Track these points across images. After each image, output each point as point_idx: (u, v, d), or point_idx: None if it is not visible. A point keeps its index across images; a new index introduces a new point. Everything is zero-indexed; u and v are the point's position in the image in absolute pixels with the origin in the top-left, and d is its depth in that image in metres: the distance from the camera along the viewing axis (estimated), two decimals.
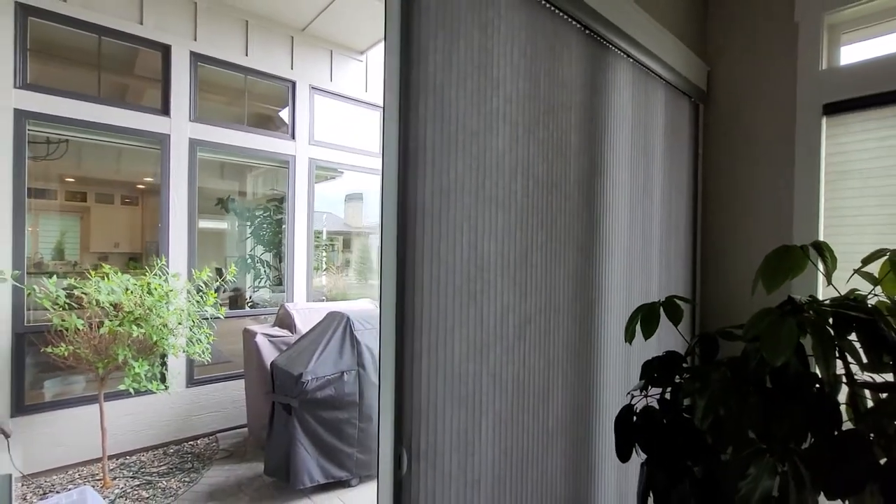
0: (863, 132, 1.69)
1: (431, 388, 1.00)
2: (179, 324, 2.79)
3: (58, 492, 2.71)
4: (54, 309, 2.49)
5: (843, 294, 1.06)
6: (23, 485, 2.67)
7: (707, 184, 2.12)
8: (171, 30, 3.42)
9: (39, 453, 2.87)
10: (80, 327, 2.48)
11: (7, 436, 2.62)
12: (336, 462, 2.59)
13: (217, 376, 3.69)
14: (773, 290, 1.03)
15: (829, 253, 1.04)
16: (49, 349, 2.47)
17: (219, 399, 3.66)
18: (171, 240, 3.42)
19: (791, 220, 1.84)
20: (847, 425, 0.97)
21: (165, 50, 3.41)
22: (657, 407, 1.20)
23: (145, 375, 2.58)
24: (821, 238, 1.76)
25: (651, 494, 1.15)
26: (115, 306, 2.59)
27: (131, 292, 2.62)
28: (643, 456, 1.19)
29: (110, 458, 3.06)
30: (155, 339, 2.62)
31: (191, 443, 3.43)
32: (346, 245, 5.53)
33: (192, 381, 3.54)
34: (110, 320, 2.53)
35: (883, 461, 0.89)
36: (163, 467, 3.03)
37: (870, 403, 1.01)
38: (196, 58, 3.54)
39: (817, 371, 0.95)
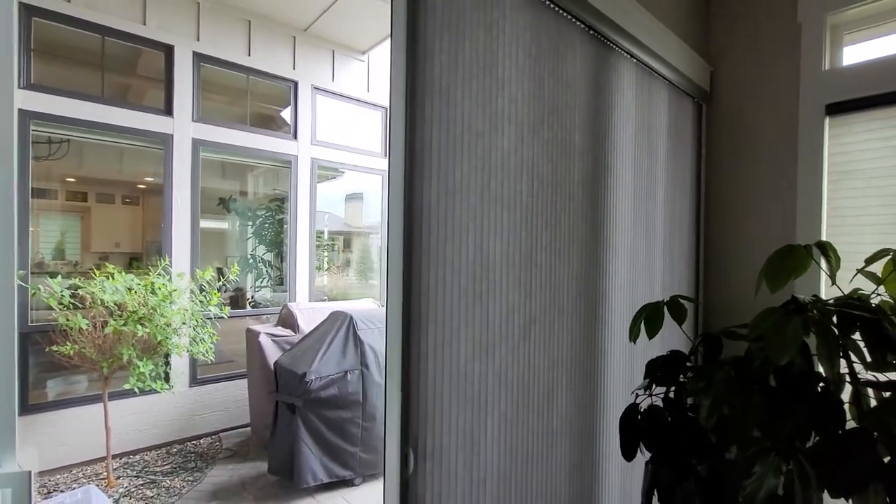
0: (866, 132, 1.70)
1: (437, 387, 1.01)
2: (184, 323, 2.80)
3: (62, 491, 2.72)
4: (59, 308, 2.50)
5: (846, 294, 1.06)
6: None
7: (710, 184, 2.12)
8: (174, 30, 3.43)
9: (43, 453, 2.89)
10: (85, 327, 2.49)
11: None
12: (340, 461, 2.60)
13: (219, 376, 3.70)
14: (776, 289, 1.03)
15: (833, 253, 1.04)
16: (55, 348, 2.49)
17: (221, 398, 3.67)
18: (173, 240, 3.43)
19: (794, 219, 1.85)
20: (850, 424, 0.97)
21: (168, 50, 3.42)
22: (661, 406, 1.20)
23: (150, 375, 2.59)
24: (823, 238, 1.77)
25: (656, 493, 1.16)
26: (120, 306, 2.60)
27: (135, 292, 2.63)
28: (647, 455, 1.20)
29: (113, 457, 3.07)
30: (159, 338, 2.63)
31: (194, 442, 3.44)
32: (347, 245, 5.54)
33: (194, 381, 3.55)
34: (115, 320, 2.54)
35: (887, 459, 0.90)
36: (166, 466, 3.04)
37: (873, 402, 1.02)
38: (199, 58, 3.55)
39: (821, 370, 0.96)
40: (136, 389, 2.58)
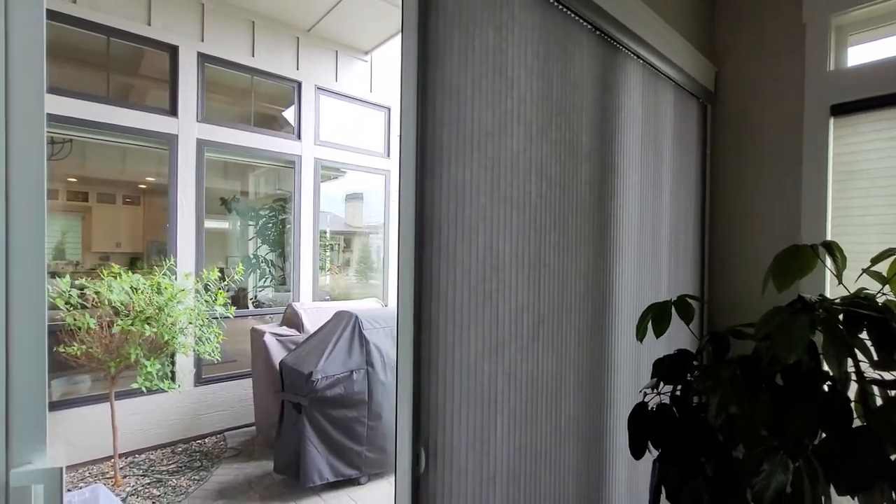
0: (871, 133, 1.71)
1: (448, 386, 1.01)
2: (190, 323, 2.81)
3: (69, 490, 2.74)
4: (67, 308, 2.52)
5: (852, 293, 1.07)
6: None
7: (715, 184, 2.13)
8: (178, 31, 3.44)
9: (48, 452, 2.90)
10: (93, 326, 2.51)
11: None
12: (345, 460, 2.61)
13: (223, 375, 3.72)
14: (784, 288, 1.04)
15: (839, 252, 1.05)
16: (62, 348, 2.50)
17: (226, 398, 3.68)
18: (178, 240, 3.44)
19: (799, 219, 1.86)
20: (856, 423, 0.98)
21: (173, 51, 3.43)
22: (669, 404, 1.21)
23: (157, 374, 2.60)
24: (828, 238, 1.78)
25: (663, 490, 1.17)
26: (126, 306, 2.61)
27: (142, 292, 2.65)
28: (655, 453, 1.21)
29: (119, 456, 3.08)
30: (166, 338, 2.64)
31: (199, 441, 3.46)
32: (347, 245, 5.55)
33: (199, 380, 3.57)
34: (122, 319, 2.55)
35: (893, 457, 0.91)
36: (172, 465, 3.05)
37: (879, 401, 1.02)
38: (203, 58, 3.56)
39: (827, 368, 0.97)
40: (144, 389, 2.60)
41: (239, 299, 4.55)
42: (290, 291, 4.27)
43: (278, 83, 4.05)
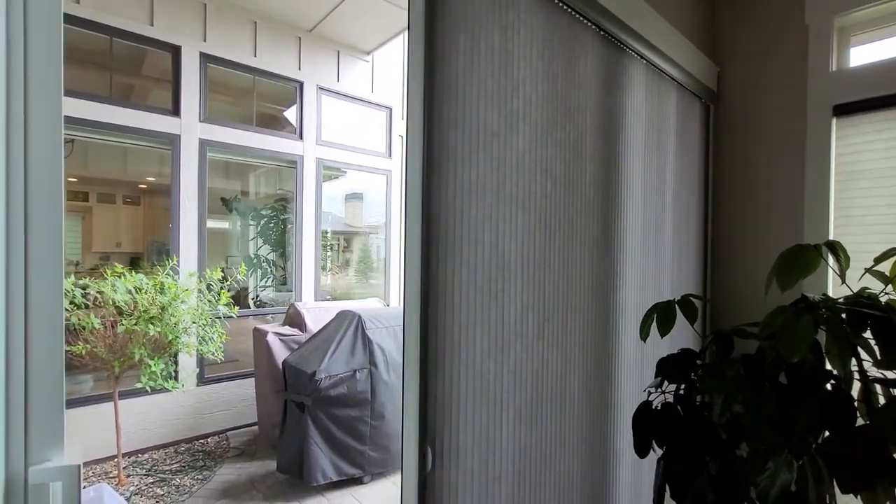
0: (873, 133, 1.71)
1: (454, 385, 1.02)
2: (194, 322, 2.82)
3: None
4: (71, 308, 2.52)
5: (854, 292, 1.08)
6: None
7: (717, 184, 2.14)
8: (181, 31, 3.44)
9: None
10: (97, 326, 2.51)
11: None
12: (349, 459, 2.62)
13: (225, 375, 3.73)
14: (787, 288, 1.05)
15: (843, 252, 1.06)
16: (67, 348, 2.51)
17: (228, 397, 3.69)
18: (181, 240, 3.45)
19: (801, 219, 1.86)
20: (859, 421, 0.98)
21: (176, 51, 3.44)
22: (673, 403, 1.22)
23: (161, 374, 2.61)
24: (830, 237, 1.78)
25: (668, 489, 1.18)
26: (130, 305, 2.62)
27: (145, 292, 2.66)
28: (659, 452, 1.21)
29: (122, 456, 3.09)
30: (170, 337, 2.65)
31: (201, 441, 3.46)
32: (347, 245, 5.56)
33: (201, 380, 3.58)
34: (126, 319, 2.56)
35: None
36: (175, 465, 3.06)
37: (881, 399, 1.03)
38: (205, 58, 3.57)
39: (830, 367, 0.97)
40: (148, 388, 2.61)
41: (240, 299, 4.56)
42: (290, 291, 4.28)
43: (280, 83, 4.06)
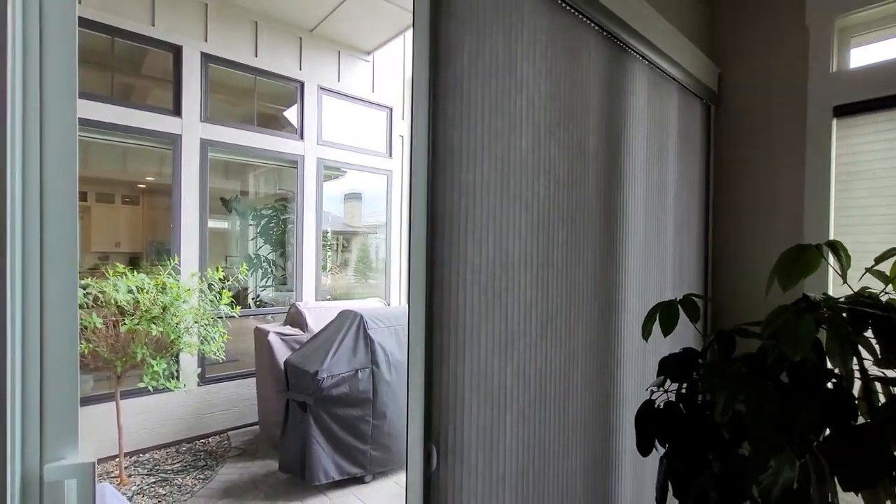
0: (873, 134, 1.72)
1: (458, 384, 1.03)
2: (196, 322, 2.82)
3: None
4: None
5: (855, 292, 1.09)
6: None
7: (718, 184, 2.15)
8: (182, 31, 3.45)
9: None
10: (100, 326, 2.52)
11: None
12: (350, 459, 2.63)
13: (225, 375, 3.73)
14: (789, 287, 1.06)
15: (844, 252, 1.06)
16: None
17: (229, 397, 3.69)
18: (182, 239, 3.46)
19: (801, 219, 1.87)
20: (860, 420, 0.99)
21: (177, 51, 3.44)
22: (675, 402, 1.22)
23: (163, 374, 2.62)
24: (831, 237, 1.79)
25: (670, 487, 1.18)
26: (132, 305, 2.62)
27: (147, 291, 2.66)
28: (662, 450, 1.22)
29: (123, 455, 3.09)
30: (172, 337, 2.65)
31: (202, 441, 3.47)
32: (346, 245, 5.57)
33: (202, 380, 3.58)
34: (129, 319, 2.56)
35: None
36: (177, 465, 3.06)
37: (881, 398, 1.04)
38: (207, 58, 3.57)
39: (831, 366, 0.98)
40: (150, 388, 2.61)
41: (239, 299, 4.56)
42: (291, 291, 4.28)
43: (281, 83, 4.06)
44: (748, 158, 2.05)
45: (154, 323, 2.59)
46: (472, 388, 1.05)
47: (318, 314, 3.46)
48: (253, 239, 4.81)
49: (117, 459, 2.82)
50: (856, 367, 1.01)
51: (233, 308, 3.05)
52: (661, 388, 1.24)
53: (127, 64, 3.63)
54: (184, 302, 2.75)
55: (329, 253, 5.18)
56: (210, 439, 3.50)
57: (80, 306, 2.54)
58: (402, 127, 4.85)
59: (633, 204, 1.58)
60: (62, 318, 0.51)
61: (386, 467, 2.78)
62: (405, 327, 2.88)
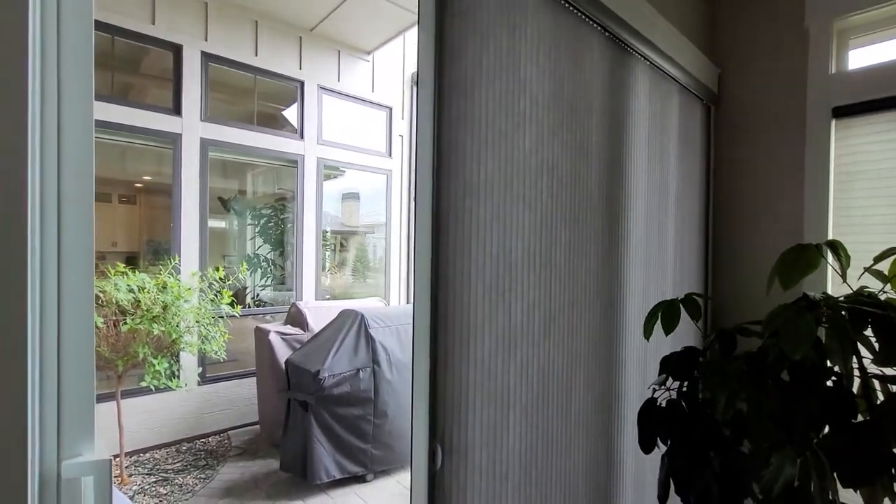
0: (872, 135, 1.74)
1: (463, 382, 1.03)
2: (197, 322, 2.82)
3: None
4: None
5: (854, 291, 1.10)
6: None
7: (718, 184, 2.16)
8: (182, 30, 3.44)
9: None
10: (101, 325, 2.52)
11: None
12: (352, 458, 2.63)
13: (225, 374, 3.73)
14: (789, 286, 1.07)
15: (843, 251, 1.08)
16: None
17: (229, 396, 3.69)
18: (182, 239, 3.45)
19: (801, 219, 1.89)
20: (859, 418, 1.01)
21: (177, 50, 3.44)
22: (677, 400, 1.24)
23: (164, 373, 2.62)
24: (830, 237, 1.81)
25: (672, 484, 1.20)
26: (133, 304, 2.62)
27: (148, 291, 2.66)
28: (663, 448, 1.23)
29: (124, 455, 3.09)
30: (173, 336, 2.65)
31: (203, 440, 3.47)
32: (343, 244, 5.57)
33: (203, 379, 3.58)
34: (130, 318, 2.56)
35: None
36: (177, 464, 3.06)
37: (880, 396, 1.05)
38: (207, 57, 3.57)
39: (830, 364, 0.99)
40: (152, 387, 2.61)
41: (238, 298, 4.55)
42: (290, 291, 4.28)
43: (281, 83, 4.06)
44: (748, 159, 2.06)
45: (155, 322, 2.59)
46: (476, 387, 1.06)
47: (319, 313, 3.46)
48: (252, 238, 4.80)
49: (118, 459, 2.82)
50: (855, 366, 1.02)
51: (234, 307, 3.05)
52: (663, 387, 1.25)
53: (126, 63, 3.62)
54: (185, 301, 2.75)
55: (327, 253, 5.18)
56: (210, 439, 3.50)
57: None
58: (402, 127, 4.85)
59: (635, 204, 1.59)
60: (79, 317, 0.52)
61: (387, 466, 2.79)
62: (406, 327, 2.88)
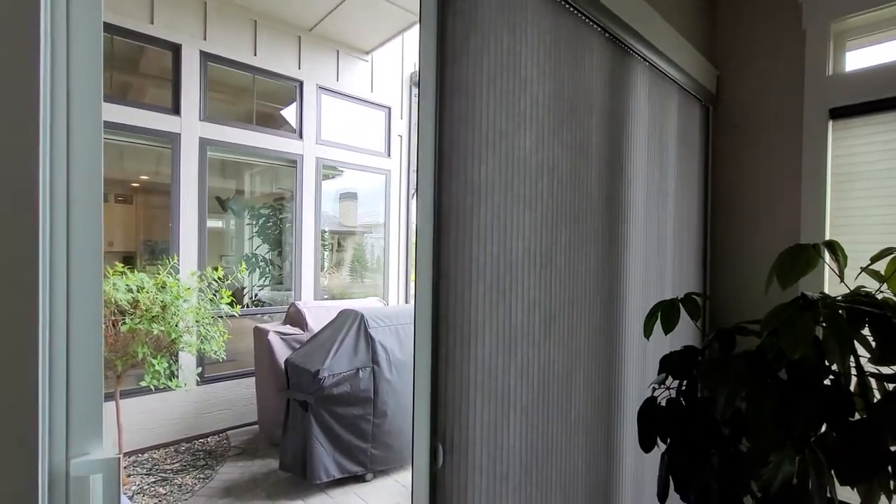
0: (869, 136, 1.75)
1: (463, 382, 1.04)
2: (196, 322, 2.82)
3: None
4: None
5: (851, 290, 1.11)
6: None
7: (716, 184, 2.17)
8: (181, 29, 3.44)
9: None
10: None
11: None
12: (351, 457, 2.64)
13: (224, 374, 3.73)
14: (787, 286, 1.08)
15: (841, 251, 1.09)
16: None
17: (228, 396, 3.69)
18: (181, 239, 3.45)
19: (798, 220, 1.90)
20: (856, 416, 1.02)
21: (176, 49, 3.43)
22: (677, 398, 1.25)
23: (164, 373, 2.61)
24: (826, 237, 1.82)
25: (672, 482, 1.21)
26: (132, 304, 2.62)
27: (147, 290, 2.65)
28: (663, 447, 1.24)
29: (123, 455, 3.08)
30: (173, 336, 2.65)
31: (201, 440, 3.46)
32: (341, 244, 5.57)
33: (202, 379, 3.58)
34: (129, 318, 2.56)
35: (893, 449, 0.95)
36: (176, 464, 3.06)
37: (877, 394, 1.06)
38: (206, 57, 3.56)
39: (828, 363, 1.00)
40: (152, 387, 2.61)
41: (237, 298, 4.54)
42: (289, 290, 4.28)
43: (280, 82, 4.06)
44: (746, 159, 2.07)
45: (154, 322, 2.59)
46: (477, 386, 1.06)
47: (318, 313, 3.46)
48: (250, 238, 4.79)
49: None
50: (852, 364, 1.03)
51: (233, 307, 3.04)
52: (663, 386, 1.26)
53: (125, 62, 3.61)
54: (184, 301, 2.74)
55: (325, 252, 5.17)
56: (209, 439, 3.49)
57: None
58: (401, 126, 4.85)
59: (635, 204, 1.60)
60: (87, 317, 0.52)
61: (387, 465, 2.79)
62: (405, 326, 2.89)
